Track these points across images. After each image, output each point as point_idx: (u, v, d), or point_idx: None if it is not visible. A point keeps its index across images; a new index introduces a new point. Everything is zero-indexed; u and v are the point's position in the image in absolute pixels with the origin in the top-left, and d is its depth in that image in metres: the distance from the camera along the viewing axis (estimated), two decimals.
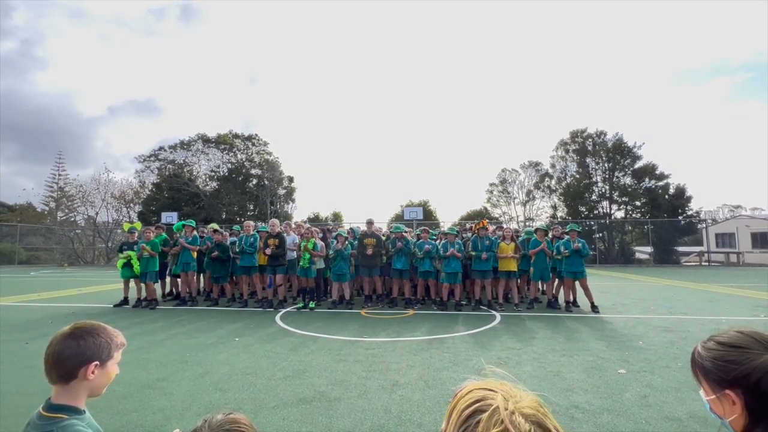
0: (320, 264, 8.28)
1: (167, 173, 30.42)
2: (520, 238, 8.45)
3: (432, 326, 6.26)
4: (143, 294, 8.31)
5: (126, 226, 8.84)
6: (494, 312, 7.40)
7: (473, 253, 7.61)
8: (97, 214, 30.03)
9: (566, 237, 7.87)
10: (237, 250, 8.22)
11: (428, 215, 28.30)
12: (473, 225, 8.81)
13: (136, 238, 8.28)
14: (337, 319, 6.88)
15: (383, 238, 8.58)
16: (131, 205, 30.91)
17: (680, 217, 24.54)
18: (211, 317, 7.11)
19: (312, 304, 7.88)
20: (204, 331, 6.00)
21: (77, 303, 8.88)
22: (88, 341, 1.11)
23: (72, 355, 1.08)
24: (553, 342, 5.29)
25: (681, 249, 25.32)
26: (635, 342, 5.25)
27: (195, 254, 8.54)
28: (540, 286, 8.64)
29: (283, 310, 7.65)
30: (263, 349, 4.95)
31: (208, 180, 31.45)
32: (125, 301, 8.42)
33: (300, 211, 42.10)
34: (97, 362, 1.12)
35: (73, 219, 33.22)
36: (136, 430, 2.85)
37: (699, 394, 0.95)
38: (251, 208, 30.73)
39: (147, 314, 7.45)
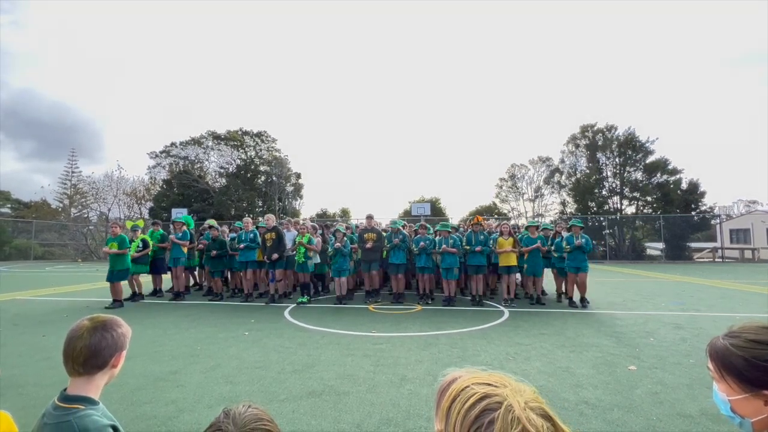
0: (316, 259, 8.34)
1: (177, 170, 30.77)
2: (519, 234, 8.46)
3: (439, 322, 6.26)
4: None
5: (128, 224, 9.06)
6: (502, 308, 7.38)
7: (467, 248, 7.69)
8: (109, 210, 30.53)
9: (567, 233, 7.86)
10: (236, 245, 8.44)
11: (437, 211, 28.23)
12: (468, 220, 8.93)
13: (118, 232, 8.12)
14: (345, 314, 6.92)
15: (383, 233, 8.64)
16: (142, 201, 31.36)
17: (693, 213, 24.10)
18: (220, 312, 7.21)
19: (304, 299, 7.97)
20: (213, 325, 6.08)
21: (91, 297, 9.06)
22: (118, 332, 1.21)
23: (108, 346, 1.17)
24: (561, 338, 5.25)
25: (694, 245, 24.88)
26: (646, 338, 5.19)
27: (185, 249, 8.78)
28: (531, 282, 8.65)
29: (292, 305, 7.71)
30: (272, 344, 5.00)
31: (217, 177, 31.75)
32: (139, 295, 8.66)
33: (308, 207, 42.29)
34: (124, 351, 1.23)
35: (86, 215, 33.84)
36: (150, 421, 2.90)
37: (712, 392, 0.91)
38: (260, 204, 30.97)
39: (157, 308, 7.58)
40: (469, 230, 8.05)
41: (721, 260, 23.05)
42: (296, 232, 8.64)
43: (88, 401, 1.13)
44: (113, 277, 7.80)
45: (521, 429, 0.46)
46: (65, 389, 1.15)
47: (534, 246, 7.74)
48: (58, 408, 1.10)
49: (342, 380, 3.72)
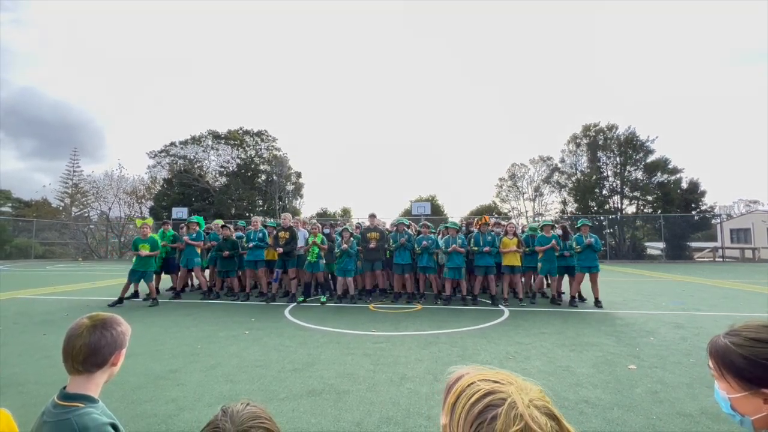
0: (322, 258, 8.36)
1: (178, 169, 30.77)
2: (524, 234, 8.43)
3: (440, 321, 6.27)
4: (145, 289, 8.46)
5: (138, 222, 9.00)
6: (502, 307, 7.38)
7: (475, 249, 7.65)
8: (109, 209, 30.54)
9: (578, 233, 7.84)
10: (245, 244, 8.44)
11: (436, 210, 28.20)
12: (476, 220, 8.82)
13: (149, 233, 8.25)
14: (345, 314, 6.92)
15: (386, 232, 8.62)
16: (143, 200, 31.37)
17: (693, 212, 24.07)
18: (221, 311, 7.21)
19: (323, 297, 8.00)
20: (214, 324, 6.08)
21: (91, 296, 9.06)
22: (118, 330, 1.21)
23: (107, 344, 1.17)
24: (562, 337, 5.25)
25: (694, 245, 24.86)
26: (646, 338, 5.19)
27: (199, 250, 8.74)
28: (546, 281, 8.60)
29: (292, 305, 7.72)
30: (273, 342, 5.00)
31: (217, 176, 31.74)
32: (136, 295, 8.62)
33: (308, 206, 42.28)
34: (124, 349, 1.23)
35: (86, 214, 33.87)
36: (150, 420, 2.91)
37: (712, 390, 0.92)
38: (260, 203, 30.97)
39: (158, 307, 7.58)
40: (476, 231, 7.99)
41: (721, 260, 23.03)
42: (306, 231, 8.66)
43: (88, 399, 1.13)
44: (139, 278, 7.79)
45: (524, 425, 0.47)
46: (65, 387, 1.15)
47: (548, 246, 7.71)
48: (57, 406, 1.10)
49: (342, 379, 3.72)
